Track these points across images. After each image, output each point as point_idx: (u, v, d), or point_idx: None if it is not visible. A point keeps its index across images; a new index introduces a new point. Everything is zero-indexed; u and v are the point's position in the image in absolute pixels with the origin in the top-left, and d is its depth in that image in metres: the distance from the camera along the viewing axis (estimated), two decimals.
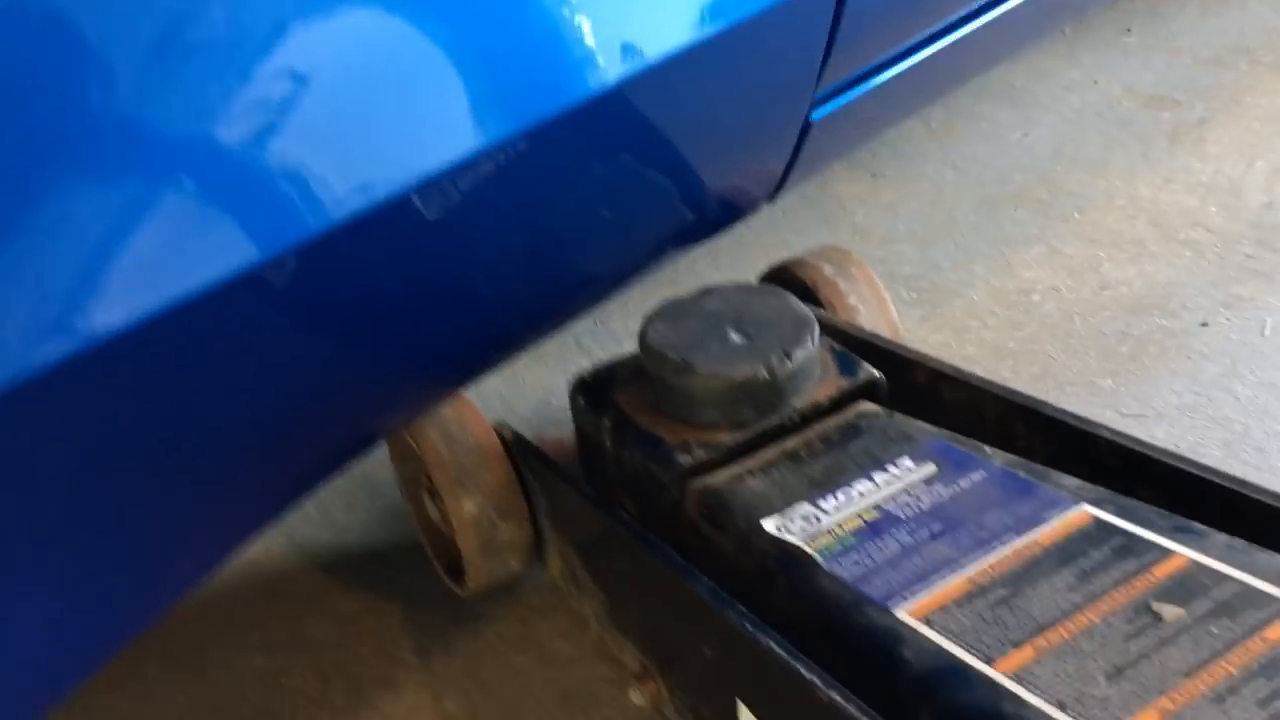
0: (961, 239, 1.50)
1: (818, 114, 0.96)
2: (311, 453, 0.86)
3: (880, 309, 1.14)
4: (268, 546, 1.17)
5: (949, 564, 0.75)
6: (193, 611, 1.09)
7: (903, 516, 0.81)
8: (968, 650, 0.68)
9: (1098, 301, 1.35)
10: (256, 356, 0.67)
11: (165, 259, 0.56)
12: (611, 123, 0.78)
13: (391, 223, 0.66)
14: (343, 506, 1.21)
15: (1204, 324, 1.29)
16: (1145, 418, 1.17)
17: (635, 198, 0.89)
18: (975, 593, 0.72)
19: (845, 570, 0.77)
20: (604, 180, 0.83)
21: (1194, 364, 1.24)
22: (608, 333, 1.42)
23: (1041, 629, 0.68)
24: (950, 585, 0.73)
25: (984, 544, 0.76)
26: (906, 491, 0.83)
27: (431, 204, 0.69)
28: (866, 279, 1.15)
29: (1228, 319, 1.29)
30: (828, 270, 1.15)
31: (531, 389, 1.35)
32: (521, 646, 1.03)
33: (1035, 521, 0.77)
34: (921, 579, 0.74)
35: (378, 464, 1.25)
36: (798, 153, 0.98)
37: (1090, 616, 0.69)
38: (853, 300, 1.14)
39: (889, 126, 1.39)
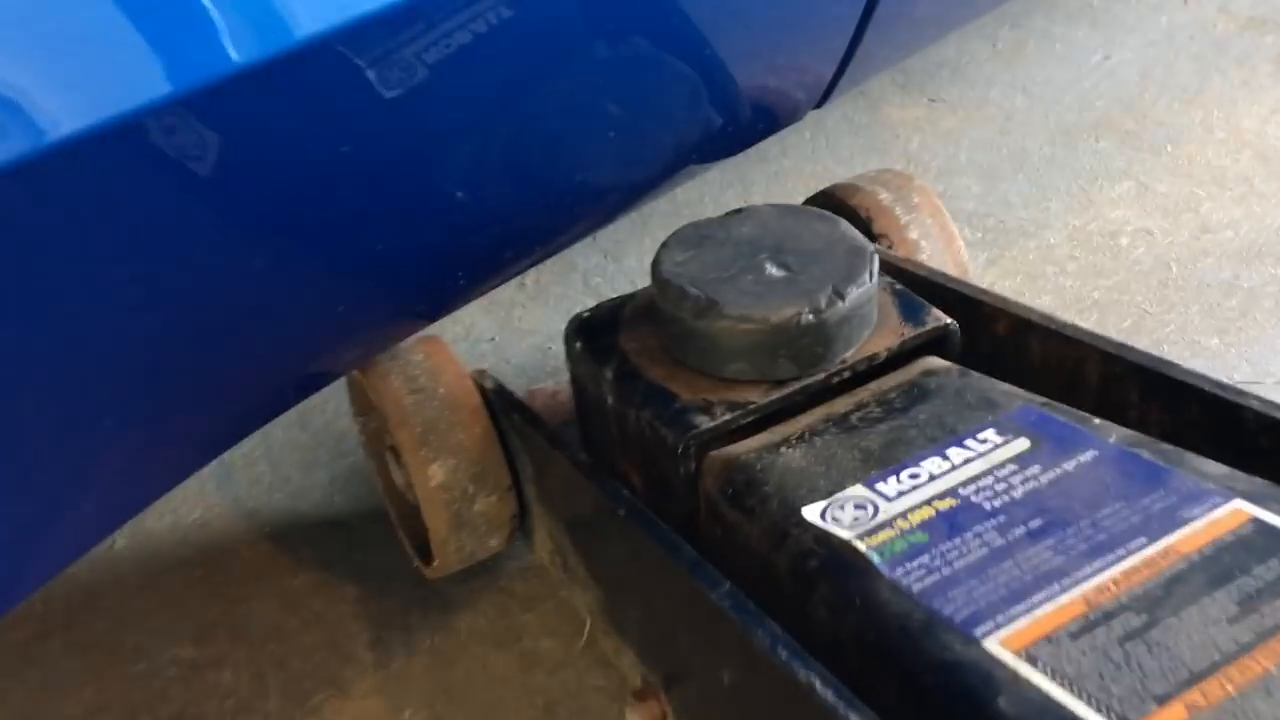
0: (1034, 173, 1.29)
1: None
2: (234, 383, 0.67)
3: (947, 245, 0.94)
4: (209, 510, 0.99)
5: (1057, 577, 0.56)
6: (110, 585, 0.91)
7: (989, 508, 0.61)
8: (1090, 704, 0.49)
9: (1198, 247, 1.14)
10: (149, 229, 0.49)
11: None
12: None
13: (316, 71, 0.48)
14: (299, 465, 1.03)
15: None
16: (1262, 385, 0.97)
17: (649, 85, 0.69)
18: (1096, 620, 0.53)
19: (913, 579, 0.57)
20: (609, 56, 0.64)
21: None
22: (620, 271, 1.22)
23: (1196, 679, 0.49)
24: (1060, 608, 0.54)
25: (1103, 550, 0.57)
26: (992, 473, 0.64)
27: (372, 55, 0.50)
28: (931, 208, 0.95)
29: None
30: (884, 197, 0.95)
31: (529, 333, 1.15)
32: (499, 643, 0.85)
33: (1172, 521, 0.58)
34: (1019, 597, 0.55)
35: (344, 414, 1.06)
36: (860, 32, 0.77)
37: (1263, 662, 0.49)
38: (914, 233, 0.94)
39: (964, 20, 1.18)
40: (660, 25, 0.66)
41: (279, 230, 0.57)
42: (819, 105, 0.88)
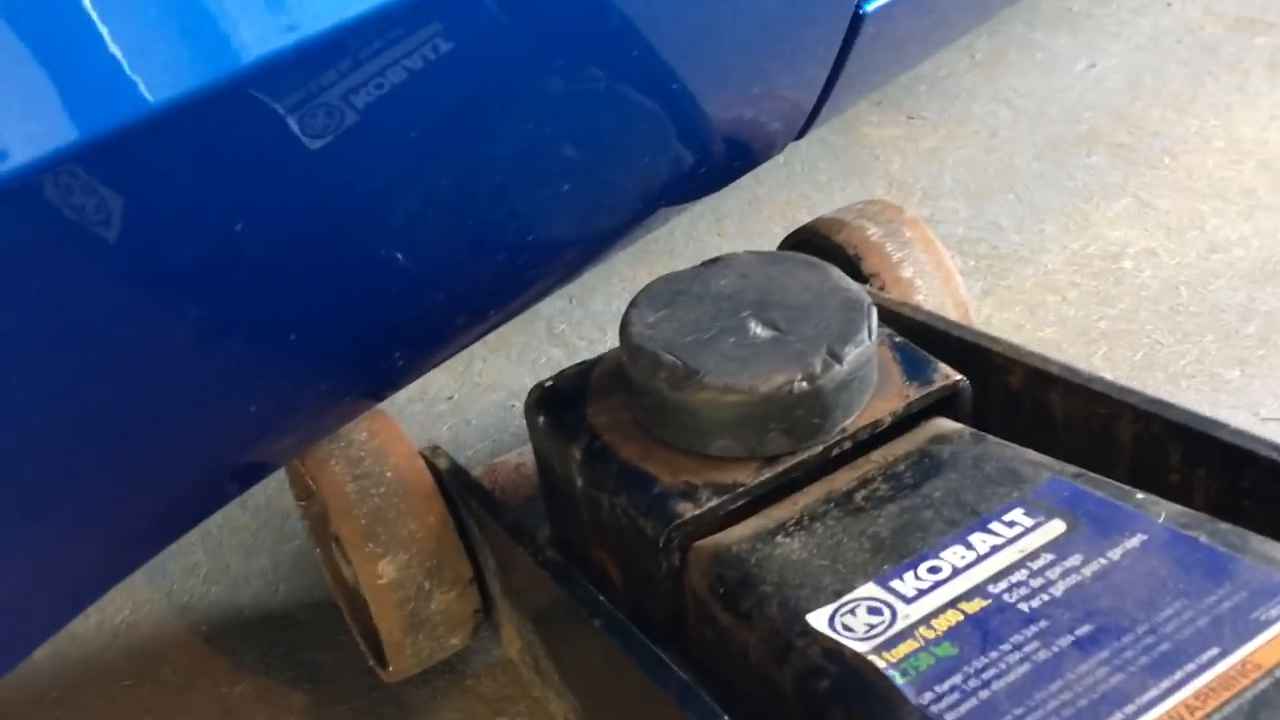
0: (1025, 191, 1.21)
1: (869, 3, 0.67)
2: (155, 476, 0.57)
3: (945, 283, 0.86)
4: (138, 607, 0.89)
5: (1119, 701, 0.47)
6: (25, 702, 0.81)
7: (1026, 610, 0.52)
8: None
9: (1208, 267, 1.06)
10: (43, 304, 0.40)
11: None
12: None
13: (222, 118, 0.38)
14: (238, 550, 0.93)
15: None
16: None
17: (610, 124, 0.60)
18: None
19: (946, 706, 0.48)
20: (564, 92, 0.55)
21: None
22: (587, 315, 1.13)
23: None
24: None
25: (1170, 665, 0.48)
26: (1025, 565, 0.55)
27: (295, 102, 0.41)
28: (924, 242, 0.86)
29: None
30: (873, 232, 0.86)
31: (490, 388, 1.06)
32: None
33: (1247, 626, 0.49)
34: None
35: (288, 490, 0.97)
36: (842, 59, 0.69)
37: None
38: (908, 272, 0.85)
39: (943, 43, 1.10)
40: (621, 57, 0.58)
41: (182, 304, 0.47)
42: (799, 137, 0.79)
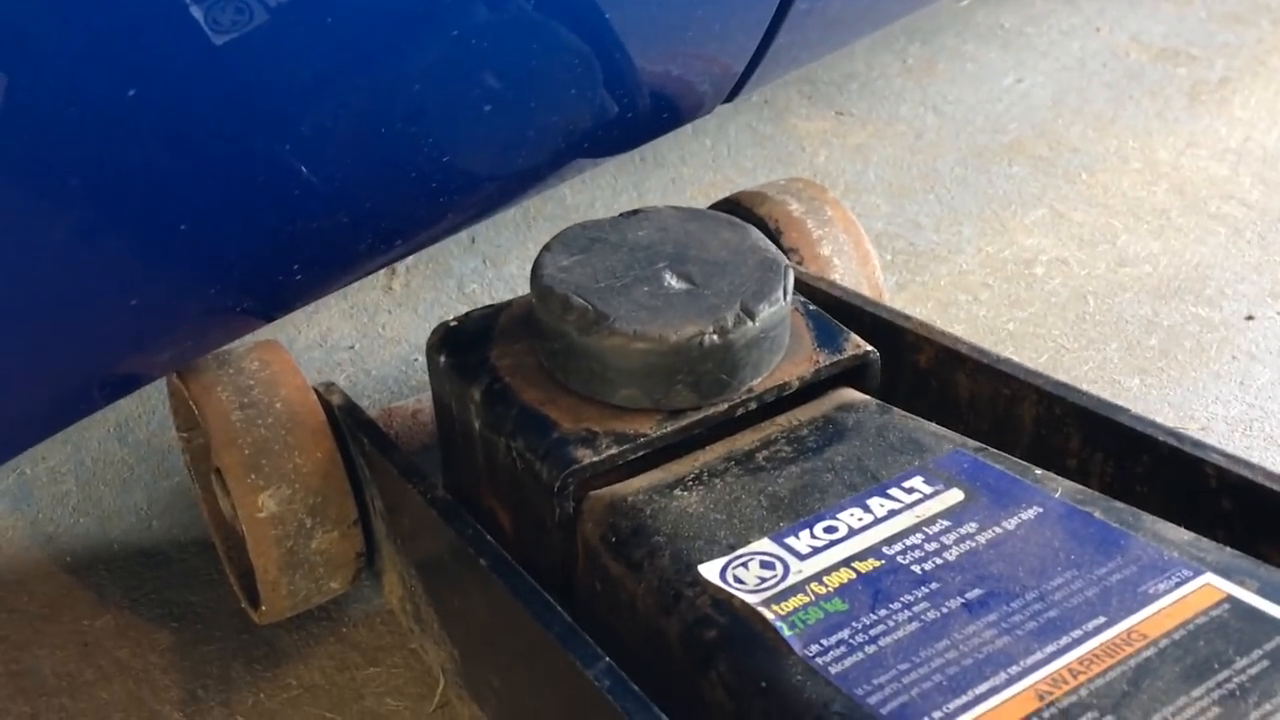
0: (946, 194, 1.22)
1: None
2: (16, 370, 0.54)
3: (862, 265, 0.85)
4: (1, 531, 0.84)
5: (1003, 662, 0.46)
6: None
7: (918, 571, 0.52)
8: None
9: (1116, 280, 1.08)
10: None
11: None
12: None
13: None
14: (114, 484, 0.89)
15: (1249, 317, 1.03)
16: (1186, 431, 0.90)
17: (538, 54, 0.58)
18: (1052, 719, 0.43)
19: (831, 659, 0.47)
20: (491, 13, 0.52)
21: (1241, 366, 0.97)
22: (499, 277, 1.11)
23: None
24: (1008, 702, 0.44)
25: (1056, 630, 0.47)
26: (921, 530, 0.54)
27: None
28: (845, 223, 0.86)
29: (1279, 313, 1.03)
30: (795, 208, 0.86)
31: (393, 341, 1.03)
32: (337, 703, 0.73)
33: (1135, 598, 0.49)
34: (959, 686, 0.45)
35: (171, 428, 0.93)
36: (776, 25, 0.68)
37: None
38: (826, 249, 0.84)
39: (876, 25, 1.10)
40: None
41: (49, 188, 0.44)
42: (728, 99, 0.78)
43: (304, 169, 0.49)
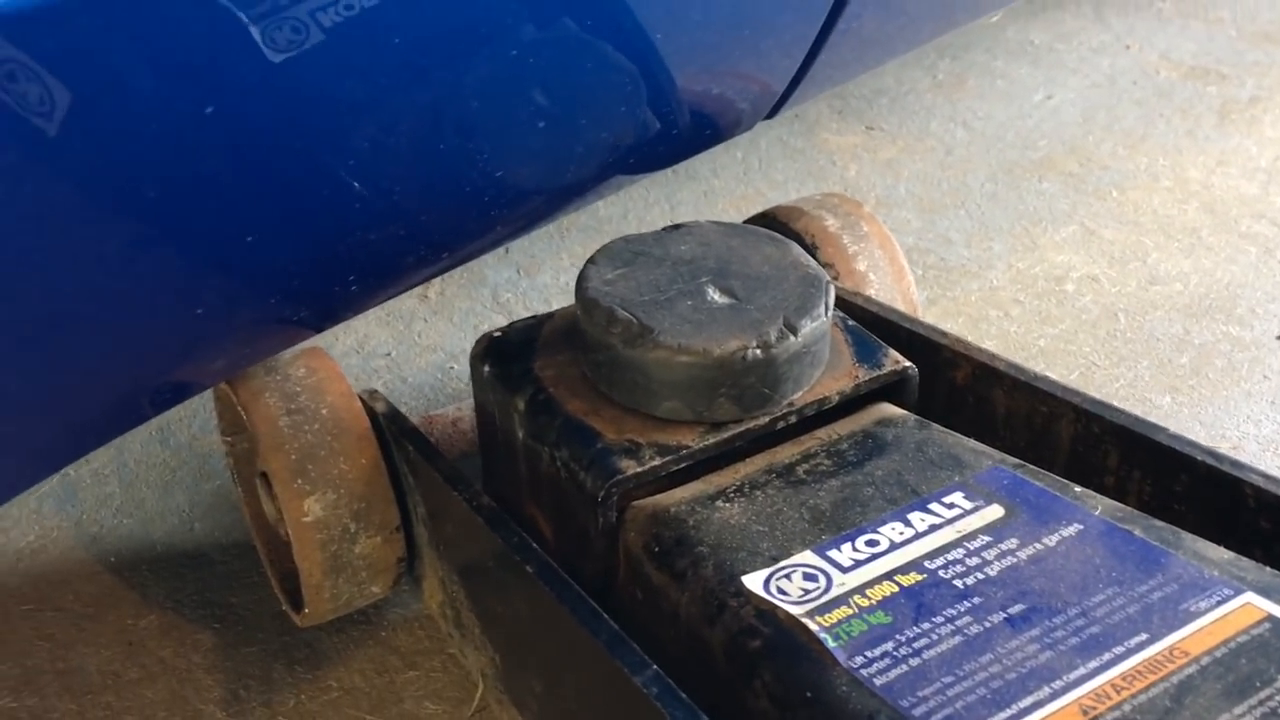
0: (976, 209, 1.22)
1: None
2: (76, 383, 0.55)
3: (897, 280, 0.86)
4: (46, 533, 0.86)
5: (1046, 677, 0.47)
6: None
7: (960, 586, 0.53)
8: None
9: (1147, 298, 1.08)
10: None
11: None
12: None
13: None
14: (156, 486, 0.90)
15: None
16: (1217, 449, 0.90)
17: (588, 74, 0.59)
18: None
19: (875, 670, 0.48)
20: (543, 34, 0.54)
21: (1273, 385, 0.98)
22: (533, 287, 1.12)
23: None
24: (1053, 717, 0.45)
25: (1098, 647, 0.48)
26: (962, 545, 0.55)
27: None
28: (881, 238, 0.87)
29: None
30: (830, 223, 0.86)
31: (430, 349, 1.04)
32: (376, 705, 0.74)
33: (1176, 616, 0.49)
34: (1003, 700, 0.46)
35: (212, 429, 0.94)
36: (825, 34, 0.69)
37: None
38: (862, 264, 0.85)
39: (921, 39, 1.11)
40: (598, 8, 0.57)
41: (119, 207, 0.45)
42: (770, 115, 0.79)
43: (367, 183, 0.51)
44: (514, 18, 0.50)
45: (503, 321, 1.07)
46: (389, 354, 1.04)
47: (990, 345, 1.04)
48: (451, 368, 1.02)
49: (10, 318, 0.48)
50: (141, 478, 0.91)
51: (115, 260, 0.48)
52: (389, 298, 0.68)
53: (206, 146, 0.44)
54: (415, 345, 1.05)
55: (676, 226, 0.72)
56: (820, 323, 0.64)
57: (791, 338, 0.62)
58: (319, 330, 0.65)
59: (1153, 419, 0.88)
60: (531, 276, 1.13)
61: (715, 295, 0.65)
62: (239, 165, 0.46)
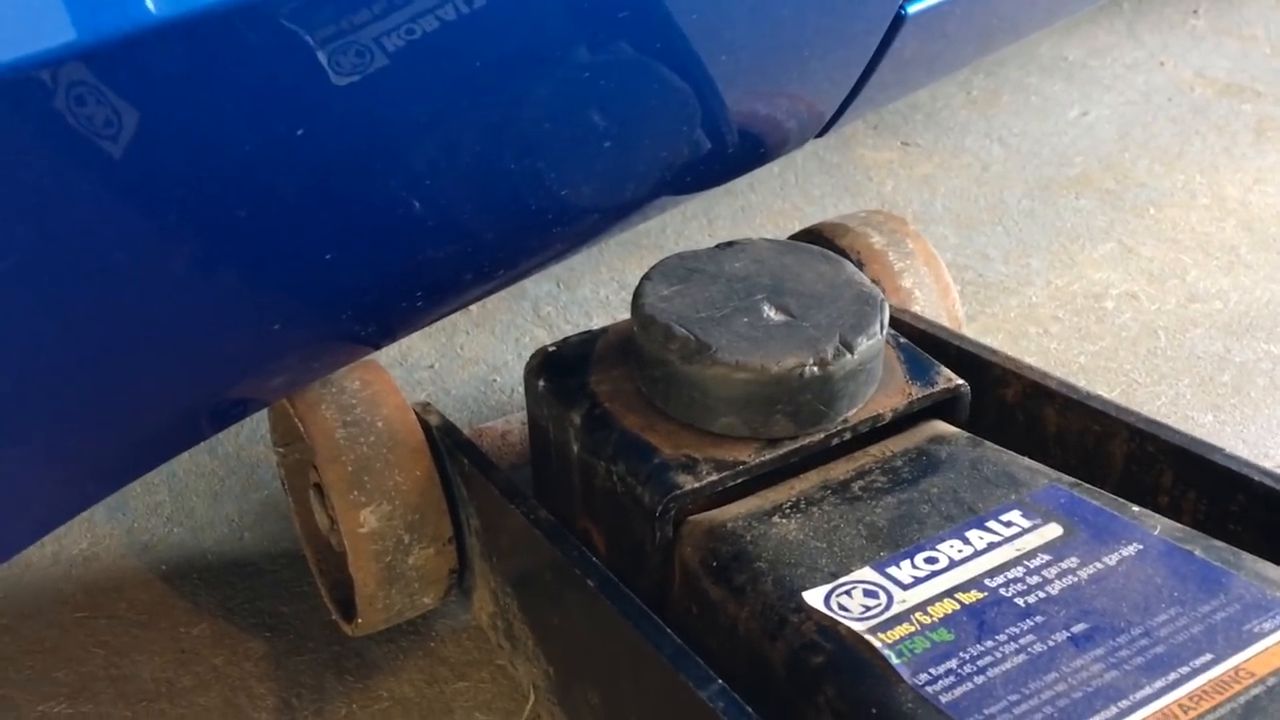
0: (1014, 226, 1.23)
1: (913, 5, 0.68)
2: (142, 405, 0.56)
3: (943, 297, 0.87)
4: (98, 541, 0.87)
5: (1112, 696, 0.47)
6: None
7: (1022, 604, 0.53)
8: None
9: (1186, 315, 1.08)
10: (39, 213, 0.39)
11: None
12: None
13: (256, 38, 0.37)
14: (205, 495, 0.91)
15: None
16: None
17: (643, 97, 0.60)
18: None
19: (941, 688, 0.49)
20: (600, 59, 0.55)
21: None
22: (574, 301, 1.13)
23: None
24: None
25: (1163, 667, 0.49)
26: (1022, 563, 0.56)
27: (327, 28, 0.40)
28: (926, 256, 0.87)
29: None
30: (876, 240, 0.87)
31: (472, 361, 1.05)
32: (427, 717, 0.74)
33: (1240, 637, 0.50)
34: (1070, 719, 0.46)
35: (259, 440, 0.95)
36: (878, 58, 0.69)
37: None
38: (908, 282, 0.86)
39: (975, 56, 1.11)
40: (661, 33, 0.58)
41: (204, 227, 0.46)
42: (819, 135, 0.80)
43: (440, 203, 0.52)
44: (590, 44, 0.51)
45: (543, 334, 1.09)
46: (432, 366, 1.05)
47: (1031, 362, 1.04)
48: (494, 380, 1.03)
49: (92, 336, 0.49)
50: (191, 487, 0.92)
51: (204, 278, 0.49)
52: (447, 314, 0.69)
53: (297, 169, 0.45)
54: (458, 358, 1.06)
55: (730, 244, 0.72)
56: (875, 341, 0.64)
57: (847, 355, 0.63)
58: (379, 347, 0.66)
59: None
60: (571, 290, 1.14)
61: (771, 312, 0.66)
62: (324, 186, 0.47)
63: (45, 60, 0.36)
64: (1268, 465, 0.92)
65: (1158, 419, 0.66)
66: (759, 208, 1.27)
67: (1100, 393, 0.98)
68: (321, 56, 0.44)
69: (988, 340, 1.06)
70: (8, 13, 0.37)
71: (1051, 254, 1.18)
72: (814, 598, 0.55)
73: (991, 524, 0.58)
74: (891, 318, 0.78)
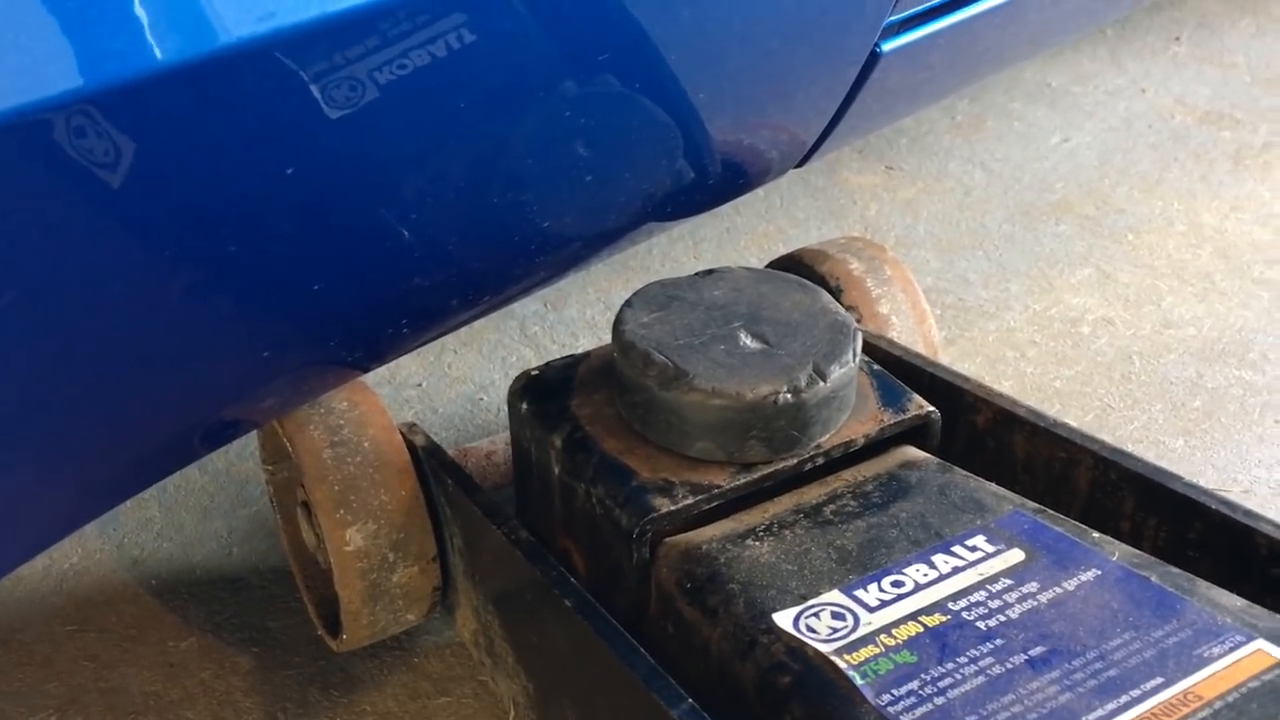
0: (994, 250, 1.25)
1: (889, 43, 0.70)
2: (134, 427, 0.58)
3: (919, 324, 0.89)
4: (88, 556, 0.89)
5: (1065, 718, 0.49)
6: None
7: (983, 628, 0.55)
8: None
9: (1161, 341, 1.11)
10: (41, 243, 0.41)
11: None
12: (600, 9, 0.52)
13: (250, 78, 0.40)
14: (195, 511, 0.93)
15: None
16: (1228, 494, 0.92)
17: (626, 128, 0.62)
18: None
19: (902, 708, 0.51)
20: (583, 92, 0.57)
21: None
22: (560, 321, 1.15)
23: None
24: None
25: (1116, 689, 0.50)
26: (984, 588, 0.58)
27: (316, 66, 0.42)
28: (903, 282, 0.89)
29: None
30: (855, 266, 0.89)
31: (459, 380, 1.07)
32: None
33: (1190, 661, 0.52)
34: None
35: (249, 457, 0.97)
36: (854, 93, 0.72)
37: None
38: (885, 308, 0.88)
39: (952, 90, 1.14)
40: (643, 65, 0.60)
41: (197, 257, 0.48)
42: (799, 165, 0.82)
43: (427, 234, 0.54)
44: (573, 84, 0.53)
45: (530, 353, 1.10)
46: (420, 385, 1.07)
47: (1007, 386, 1.07)
48: (481, 398, 1.05)
49: (89, 363, 0.51)
50: (181, 502, 0.93)
51: (196, 309, 0.51)
52: (433, 339, 0.71)
53: (287, 205, 0.46)
54: (445, 376, 1.08)
55: (710, 271, 0.74)
56: (848, 369, 0.66)
57: (821, 383, 0.65)
58: (367, 370, 0.68)
59: (1166, 462, 0.90)
60: (558, 310, 1.16)
61: (747, 340, 0.68)
62: (313, 221, 0.49)
63: (50, 106, 0.38)
64: (1237, 489, 0.95)
65: (1123, 447, 0.68)
66: (744, 230, 1.29)
67: (1074, 417, 1.01)
68: (313, 97, 0.46)
69: (965, 364, 1.08)
70: (12, 59, 0.39)
71: (1030, 279, 1.20)
72: (784, 619, 0.57)
73: (957, 549, 0.60)
74: (866, 344, 0.80)
